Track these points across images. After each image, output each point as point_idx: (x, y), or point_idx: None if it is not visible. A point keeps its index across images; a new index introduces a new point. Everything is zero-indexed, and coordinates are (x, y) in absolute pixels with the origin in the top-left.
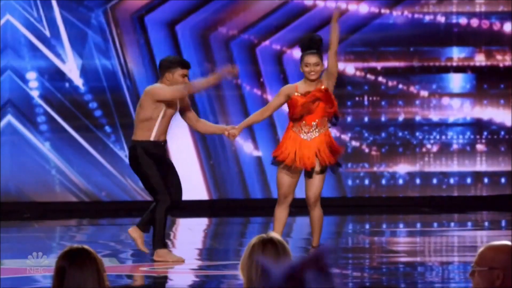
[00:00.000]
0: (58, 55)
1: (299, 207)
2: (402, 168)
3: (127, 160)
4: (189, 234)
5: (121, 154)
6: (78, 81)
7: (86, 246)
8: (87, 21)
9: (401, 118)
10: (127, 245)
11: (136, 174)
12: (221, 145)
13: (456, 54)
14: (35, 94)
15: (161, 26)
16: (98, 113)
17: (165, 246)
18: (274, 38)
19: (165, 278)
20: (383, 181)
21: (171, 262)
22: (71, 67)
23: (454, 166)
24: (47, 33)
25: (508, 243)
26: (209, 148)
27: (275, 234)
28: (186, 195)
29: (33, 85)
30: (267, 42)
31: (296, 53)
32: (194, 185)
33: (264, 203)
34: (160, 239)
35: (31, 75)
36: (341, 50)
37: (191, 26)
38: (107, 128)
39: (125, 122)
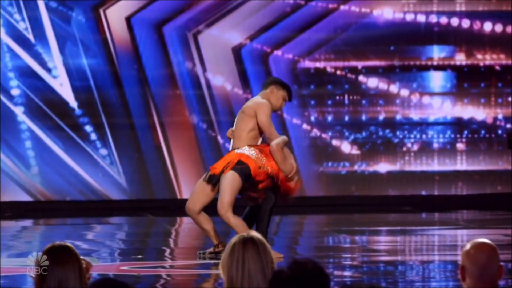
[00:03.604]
0: (41, 55)
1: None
2: (383, 167)
3: (103, 162)
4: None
5: (99, 154)
6: (65, 81)
7: (68, 244)
8: (73, 21)
9: (381, 117)
10: (100, 244)
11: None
12: (203, 144)
13: (437, 53)
14: (15, 92)
15: (148, 27)
16: (82, 112)
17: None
18: (261, 39)
19: (146, 277)
20: (364, 180)
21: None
22: (57, 66)
23: (435, 165)
24: (31, 33)
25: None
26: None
27: (256, 233)
28: (172, 195)
29: (14, 84)
30: (254, 43)
31: (281, 53)
32: (175, 184)
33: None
34: (264, 234)
35: (12, 74)
36: (322, 49)
37: (178, 26)
38: (92, 128)
39: (111, 122)
